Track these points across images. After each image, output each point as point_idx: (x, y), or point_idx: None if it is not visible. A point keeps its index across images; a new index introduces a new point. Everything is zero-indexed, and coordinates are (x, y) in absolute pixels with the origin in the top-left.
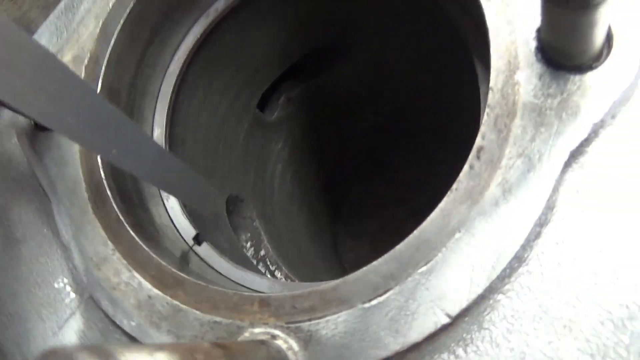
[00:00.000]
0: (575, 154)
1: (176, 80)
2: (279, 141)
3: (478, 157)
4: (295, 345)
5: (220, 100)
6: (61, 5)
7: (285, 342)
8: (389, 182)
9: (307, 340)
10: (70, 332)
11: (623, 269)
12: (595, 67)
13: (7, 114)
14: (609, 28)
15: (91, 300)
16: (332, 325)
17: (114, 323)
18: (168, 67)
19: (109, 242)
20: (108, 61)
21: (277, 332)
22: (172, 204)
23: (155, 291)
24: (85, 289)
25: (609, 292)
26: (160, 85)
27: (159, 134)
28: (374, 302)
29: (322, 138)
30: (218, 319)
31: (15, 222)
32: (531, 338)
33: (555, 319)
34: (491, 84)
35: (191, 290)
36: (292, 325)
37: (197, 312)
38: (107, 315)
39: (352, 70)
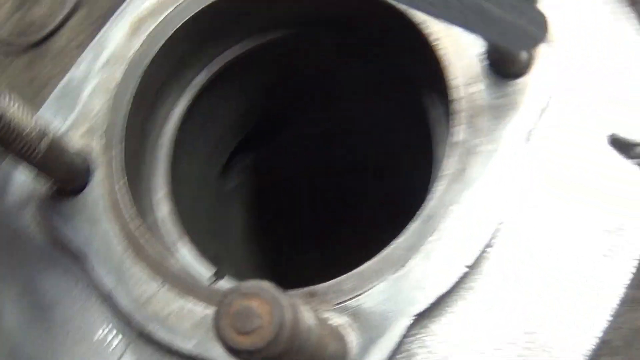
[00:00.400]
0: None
1: (168, 151)
2: (235, 209)
3: (460, 146)
4: (345, 320)
5: (197, 168)
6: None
7: (338, 320)
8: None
9: (355, 314)
10: None
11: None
12: (528, 72)
13: (17, 189)
14: None
15: (141, 338)
16: (371, 297)
17: (169, 351)
18: (158, 139)
19: (156, 278)
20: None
21: (328, 314)
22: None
23: (209, 310)
24: (132, 330)
25: None
26: (155, 154)
27: (162, 194)
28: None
29: (272, 207)
30: None
31: (41, 291)
32: None
33: None
34: (455, 96)
35: None
36: (339, 306)
37: None
38: (160, 347)
39: (298, 140)
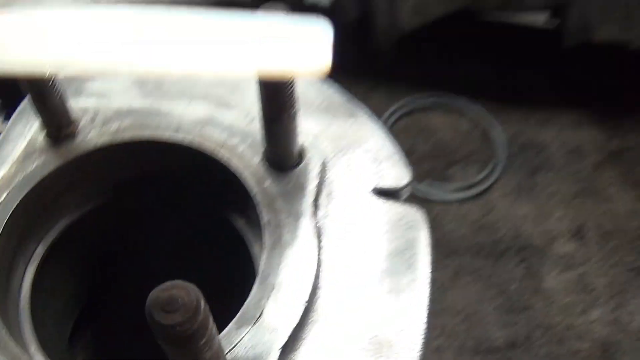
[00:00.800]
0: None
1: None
2: None
3: (269, 224)
4: None
5: (49, 341)
6: None
7: None
8: None
9: None
10: None
11: None
12: (298, 165)
13: None
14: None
15: None
16: (242, 347)
17: None
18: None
19: None
20: None
21: None
22: None
23: None
24: None
25: None
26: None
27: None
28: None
29: None
30: None
31: None
32: None
33: None
34: (253, 193)
35: None
36: None
37: None
38: None
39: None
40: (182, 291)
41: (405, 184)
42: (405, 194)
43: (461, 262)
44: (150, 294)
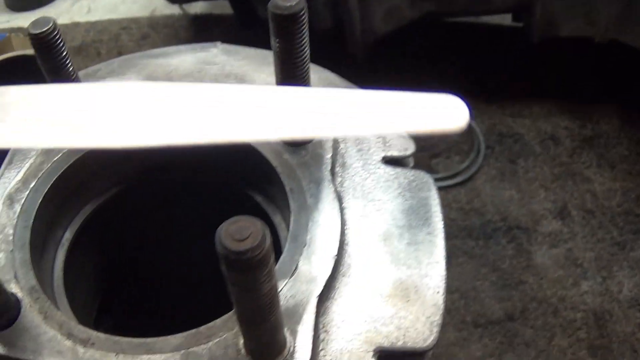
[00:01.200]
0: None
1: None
2: None
3: (292, 191)
4: None
5: None
6: None
7: None
8: None
9: None
10: None
11: None
12: (312, 140)
13: None
14: None
15: None
16: (281, 297)
17: None
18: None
19: (109, 353)
20: None
21: None
22: None
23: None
24: None
25: None
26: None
27: None
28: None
29: None
30: None
31: None
32: None
33: None
34: (274, 164)
35: None
36: None
37: None
38: None
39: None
40: (249, 222)
41: (411, 152)
42: (410, 162)
43: (454, 243)
44: (219, 228)
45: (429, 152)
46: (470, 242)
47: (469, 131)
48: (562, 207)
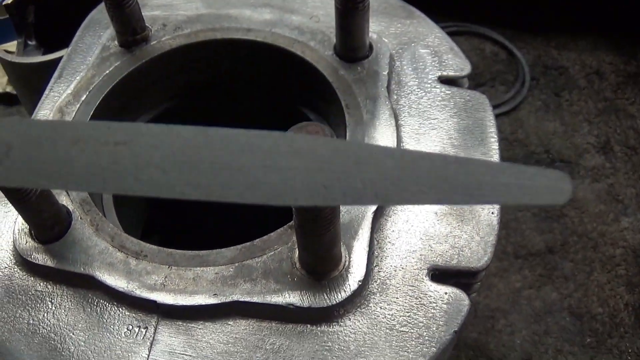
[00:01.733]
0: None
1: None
2: None
3: (348, 107)
4: None
5: None
6: None
7: None
8: None
9: None
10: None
11: None
12: (368, 56)
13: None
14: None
15: (168, 316)
16: None
17: (197, 310)
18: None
19: (162, 266)
20: None
21: None
22: None
23: (215, 269)
24: (154, 315)
25: None
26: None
27: None
28: None
29: None
30: None
31: (54, 328)
32: None
33: None
34: (330, 80)
35: None
36: None
37: None
38: (187, 313)
39: None
40: (317, 127)
41: (467, 73)
42: (465, 83)
43: None
44: (287, 132)
45: (473, 81)
46: None
47: (514, 61)
48: (604, 142)
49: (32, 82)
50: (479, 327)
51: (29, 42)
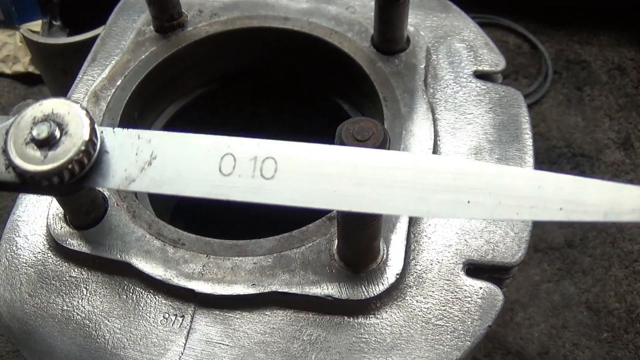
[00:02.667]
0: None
1: None
2: None
3: (385, 100)
4: None
5: None
6: None
7: None
8: None
9: None
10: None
11: None
12: (405, 49)
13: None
14: None
15: (205, 305)
16: None
17: (236, 299)
18: None
19: (200, 255)
20: None
21: None
22: None
23: (253, 260)
24: (191, 304)
25: None
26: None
27: None
28: None
29: None
30: None
31: (90, 315)
32: None
33: None
34: (367, 72)
35: None
36: None
37: None
38: (225, 303)
39: None
40: (371, 123)
41: (502, 68)
42: (499, 78)
43: None
44: (340, 126)
45: None
46: (535, 166)
47: (537, 55)
48: (625, 137)
49: (57, 63)
50: (497, 319)
51: (54, 22)
